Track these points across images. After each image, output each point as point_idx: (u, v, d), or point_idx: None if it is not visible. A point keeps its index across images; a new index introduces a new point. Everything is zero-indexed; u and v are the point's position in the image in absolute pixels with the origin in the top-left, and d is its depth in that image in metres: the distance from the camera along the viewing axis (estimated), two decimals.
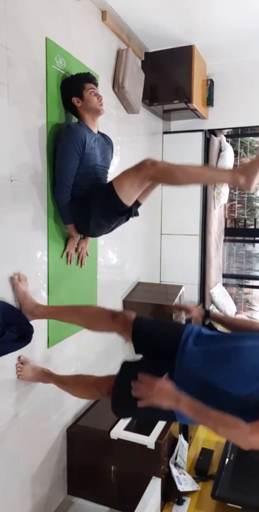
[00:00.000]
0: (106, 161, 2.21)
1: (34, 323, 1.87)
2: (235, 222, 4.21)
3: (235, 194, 4.20)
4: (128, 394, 1.41)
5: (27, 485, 1.99)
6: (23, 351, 1.88)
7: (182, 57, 3.06)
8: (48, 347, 2.12)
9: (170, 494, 2.19)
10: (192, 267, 3.62)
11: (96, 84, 2.09)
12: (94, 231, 2.10)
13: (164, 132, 3.68)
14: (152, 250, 3.58)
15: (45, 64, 1.97)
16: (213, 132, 3.69)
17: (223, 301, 3.71)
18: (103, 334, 2.67)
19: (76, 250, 2.28)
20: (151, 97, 3.15)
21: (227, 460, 2.29)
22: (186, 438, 2.46)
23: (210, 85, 3.41)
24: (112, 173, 2.35)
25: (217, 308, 3.64)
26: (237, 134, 3.98)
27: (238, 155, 4.07)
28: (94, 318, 1.81)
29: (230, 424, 1.22)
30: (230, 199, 4.14)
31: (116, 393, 1.61)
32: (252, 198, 4.17)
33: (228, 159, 3.66)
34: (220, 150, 3.69)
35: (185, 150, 3.58)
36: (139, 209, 2.08)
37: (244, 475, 2.21)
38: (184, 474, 2.25)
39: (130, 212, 1.95)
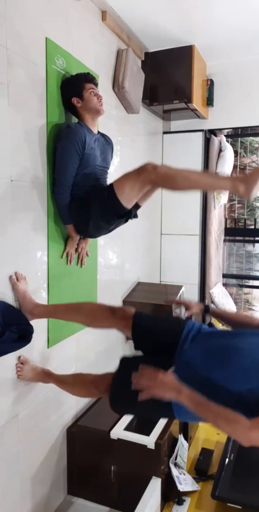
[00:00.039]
0: (106, 161, 2.21)
1: (34, 323, 1.87)
2: (235, 222, 4.21)
3: (235, 194, 4.19)
4: (127, 390, 1.41)
5: (27, 485, 1.99)
6: (23, 351, 1.88)
7: (182, 57, 3.06)
8: (48, 347, 2.12)
9: (170, 494, 2.19)
10: (192, 267, 3.62)
11: (96, 84, 2.09)
12: (93, 232, 2.11)
13: (164, 132, 3.68)
14: (152, 250, 3.58)
15: (45, 64, 1.97)
16: (213, 132, 3.69)
17: (223, 301, 3.72)
18: (103, 334, 2.67)
19: (76, 250, 2.28)
20: (151, 97, 3.15)
21: (227, 460, 2.29)
22: (186, 438, 2.47)
23: (210, 85, 3.41)
24: (112, 173, 2.35)
25: (216, 307, 3.63)
26: (237, 134, 3.99)
27: (238, 155, 4.07)
28: (93, 314, 1.81)
29: (230, 418, 1.21)
30: (230, 199, 4.14)
31: (115, 390, 1.62)
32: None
33: (228, 159, 3.66)
34: (220, 150, 3.69)
35: (185, 150, 3.58)
36: (139, 210, 2.08)
37: (244, 475, 2.21)
38: (184, 474, 2.25)
39: (129, 214, 1.95)
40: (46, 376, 1.94)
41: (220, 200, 3.66)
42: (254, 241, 4.22)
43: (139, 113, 3.02)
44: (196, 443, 2.66)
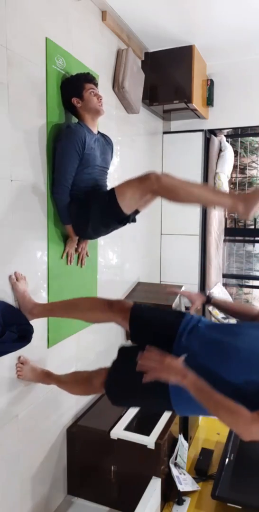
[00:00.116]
0: (106, 161, 2.21)
1: (34, 323, 1.87)
2: (235, 222, 4.21)
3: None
4: (125, 379, 1.42)
5: (27, 485, 1.99)
6: (23, 351, 1.88)
7: (182, 57, 3.06)
8: (48, 347, 2.12)
9: (170, 494, 2.19)
10: (192, 267, 3.62)
11: (96, 84, 2.09)
12: (91, 234, 2.12)
13: (164, 132, 3.68)
14: (152, 250, 3.58)
15: (45, 64, 1.97)
16: (213, 132, 3.69)
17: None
18: (103, 334, 2.67)
19: (76, 250, 2.28)
20: (151, 97, 3.15)
21: (227, 460, 2.29)
22: (186, 438, 2.47)
23: (210, 85, 3.41)
24: (112, 173, 2.36)
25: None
26: (237, 134, 3.99)
27: (238, 155, 4.07)
28: (91, 308, 1.82)
29: (232, 409, 1.20)
30: None
31: (112, 378, 1.62)
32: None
33: (228, 159, 3.66)
34: (220, 150, 3.69)
35: (185, 150, 3.58)
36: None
37: (244, 475, 2.21)
38: (184, 474, 2.25)
39: (127, 219, 1.95)
40: (46, 377, 1.95)
41: None
42: (254, 241, 4.23)
43: (139, 113, 3.02)
44: (196, 443, 2.66)
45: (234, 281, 4.25)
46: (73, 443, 2.29)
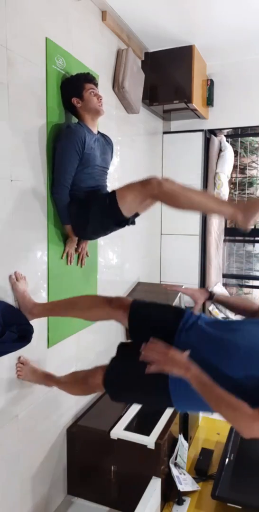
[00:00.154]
0: (106, 161, 2.21)
1: (34, 323, 1.87)
2: (235, 222, 4.20)
3: (235, 194, 4.20)
4: (124, 376, 1.43)
5: (27, 485, 1.99)
6: (23, 351, 1.88)
7: (182, 57, 3.06)
8: (48, 347, 2.12)
9: (170, 494, 2.19)
10: (192, 267, 3.62)
11: (96, 84, 2.09)
12: (90, 235, 2.13)
13: (164, 132, 3.68)
14: (152, 250, 3.58)
15: (45, 64, 1.97)
16: (213, 132, 3.69)
17: None
18: (103, 334, 2.67)
19: (76, 250, 2.28)
20: (151, 97, 3.15)
21: (227, 460, 2.29)
22: (186, 438, 2.46)
23: (210, 85, 3.41)
24: (112, 173, 2.35)
25: (217, 308, 3.64)
26: (237, 134, 3.98)
27: (238, 155, 4.07)
28: (90, 306, 1.82)
29: (234, 405, 1.19)
30: (230, 199, 4.13)
31: (112, 372, 1.62)
32: (252, 198, 4.17)
33: (228, 159, 3.66)
34: (220, 150, 3.69)
35: (185, 150, 3.58)
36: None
37: (244, 475, 2.21)
38: (184, 474, 2.25)
39: (127, 221, 1.95)
40: (47, 379, 1.93)
41: None
42: (254, 241, 4.22)
43: (139, 113, 3.02)
44: (196, 443, 2.66)
45: (234, 281, 4.25)
46: (73, 443, 2.29)
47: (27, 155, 1.88)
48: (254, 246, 4.27)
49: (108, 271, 2.76)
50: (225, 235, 4.00)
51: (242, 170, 4.19)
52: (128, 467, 2.15)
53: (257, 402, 1.19)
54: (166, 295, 3.08)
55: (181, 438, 2.37)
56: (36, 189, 1.95)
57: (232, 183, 4.16)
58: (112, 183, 2.61)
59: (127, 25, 2.76)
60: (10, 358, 1.82)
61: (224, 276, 4.09)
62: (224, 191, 3.64)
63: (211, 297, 1.74)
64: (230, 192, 3.93)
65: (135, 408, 2.40)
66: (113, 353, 1.70)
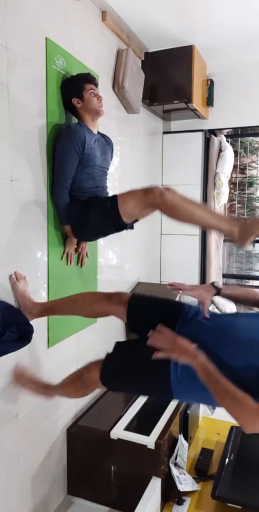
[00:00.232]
0: (106, 162, 2.21)
1: (34, 322, 1.87)
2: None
3: (235, 194, 4.20)
4: (124, 365, 1.46)
5: (27, 485, 1.99)
6: (23, 351, 1.88)
7: (182, 57, 3.06)
8: (48, 347, 2.12)
9: (170, 494, 2.19)
10: (192, 267, 3.62)
11: (96, 85, 2.09)
12: (88, 237, 2.14)
13: (164, 132, 3.68)
14: (152, 250, 3.58)
15: (45, 64, 1.97)
16: (213, 132, 3.69)
17: (223, 301, 3.71)
18: (103, 334, 2.67)
19: (76, 250, 2.28)
20: (151, 97, 3.15)
21: (227, 460, 2.29)
22: (186, 438, 2.46)
23: (210, 85, 3.41)
24: (112, 173, 2.35)
25: (217, 308, 3.64)
26: (237, 134, 3.98)
27: (238, 155, 4.07)
28: (90, 302, 1.82)
29: (238, 398, 1.19)
30: (230, 199, 4.14)
31: (111, 367, 1.61)
32: (252, 198, 4.17)
33: (228, 159, 3.66)
34: (220, 150, 3.68)
35: (185, 150, 3.58)
36: None
37: (244, 475, 2.21)
38: (184, 474, 2.25)
39: (125, 226, 1.95)
40: (45, 388, 1.87)
41: (220, 200, 3.66)
42: (254, 241, 4.22)
43: (139, 113, 3.02)
44: (196, 443, 2.66)
45: (234, 281, 4.25)
46: (73, 443, 2.29)
47: (27, 155, 1.88)
48: (254, 246, 4.27)
49: (108, 271, 2.76)
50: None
51: (242, 170, 4.19)
52: (128, 467, 2.15)
53: (256, 392, 1.20)
54: (165, 295, 3.07)
55: (181, 438, 2.37)
56: (36, 189, 1.95)
57: (232, 183, 4.16)
58: (112, 183, 2.61)
59: (127, 25, 2.76)
60: (10, 358, 1.82)
61: (224, 276, 4.09)
62: (224, 191, 3.64)
63: (218, 293, 1.69)
64: (230, 192, 3.93)
65: (135, 408, 2.40)
66: None
